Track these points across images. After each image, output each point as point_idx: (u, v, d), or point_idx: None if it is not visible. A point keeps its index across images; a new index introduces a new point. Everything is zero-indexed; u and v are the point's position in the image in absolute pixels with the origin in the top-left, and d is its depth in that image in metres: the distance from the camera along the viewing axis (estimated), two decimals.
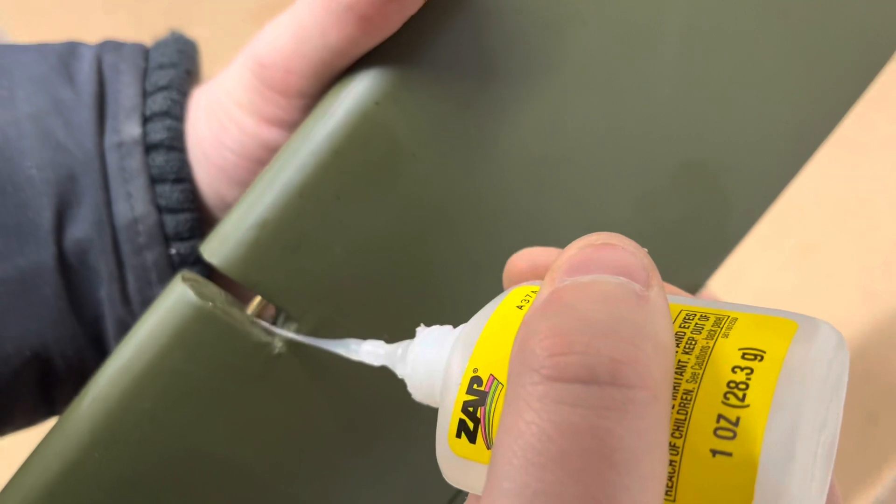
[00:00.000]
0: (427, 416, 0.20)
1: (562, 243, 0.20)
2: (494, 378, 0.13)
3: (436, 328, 0.15)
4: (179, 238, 0.20)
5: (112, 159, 0.20)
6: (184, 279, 0.17)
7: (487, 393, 0.13)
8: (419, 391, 0.16)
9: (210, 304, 0.17)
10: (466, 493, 0.21)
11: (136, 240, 0.20)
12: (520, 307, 0.14)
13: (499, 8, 0.18)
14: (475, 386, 0.13)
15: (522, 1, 0.18)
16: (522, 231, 0.19)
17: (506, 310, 0.14)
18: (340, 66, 0.18)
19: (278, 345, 0.17)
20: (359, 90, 0.17)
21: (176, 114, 0.20)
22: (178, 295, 0.17)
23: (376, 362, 0.16)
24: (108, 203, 0.19)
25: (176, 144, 0.20)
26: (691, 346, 0.12)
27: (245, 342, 0.17)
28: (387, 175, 0.17)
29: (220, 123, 0.20)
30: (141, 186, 0.20)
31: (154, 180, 0.20)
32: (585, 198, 0.19)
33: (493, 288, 0.18)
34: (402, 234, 0.18)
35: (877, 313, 0.51)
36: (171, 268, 0.20)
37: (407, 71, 0.17)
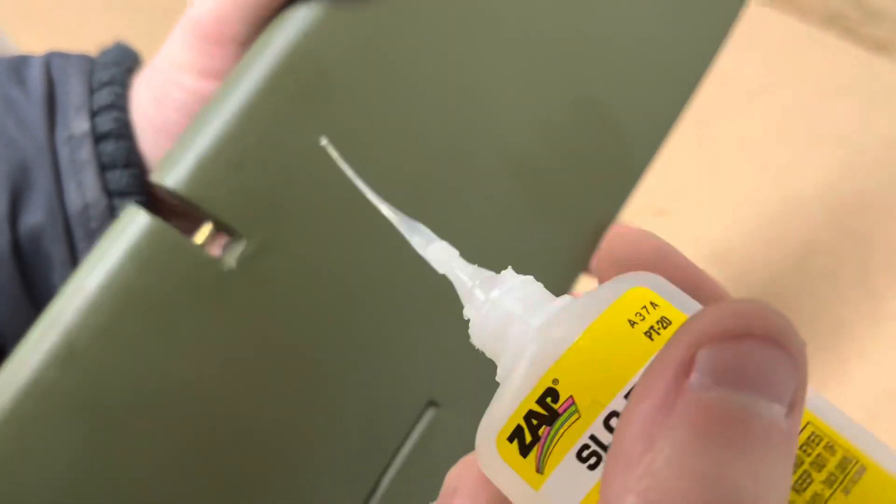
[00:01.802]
0: (379, 337, 0.20)
1: (475, 171, 0.21)
2: (574, 402, 0.12)
3: (529, 282, 0.14)
4: None
5: (63, 152, 0.21)
6: (136, 204, 0.18)
7: (560, 415, 0.12)
8: (481, 339, 0.14)
9: (160, 221, 0.18)
10: (419, 433, 0.21)
11: (88, 225, 0.21)
12: (633, 323, 0.12)
13: None
14: (548, 399, 0.12)
15: None
16: (439, 157, 0.20)
17: (613, 320, 0.12)
18: (270, 10, 0.19)
19: (229, 262, 0.18)
20: (289, 24, 0.19)
21: (121, 105, 0.22)
22: (131, 214, 0.18)
23: (440, 269, 0.15)
24: (60, 193, 0.21)
25: (124, 132, 0.21)
26: (804, 485, 0.10)
27: (195, 257, 0.18)
28: (318, 97, 0.19)
29: (161, 88, 0.21)
30: (91, 174, 0.21)
31: (105, 167, 0.21)
32: (494, 128, 0.21)
33: (420, 185, 0.20)
34: (337, 147, 0.19)
35: (876, 314, 0.51)
36: None
37: (330, 5, 0.19)
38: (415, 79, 0.20)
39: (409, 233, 0.17)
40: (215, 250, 0.19)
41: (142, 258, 0.17)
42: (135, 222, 0.17)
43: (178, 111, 0.21)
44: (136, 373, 0.18)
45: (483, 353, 0.15)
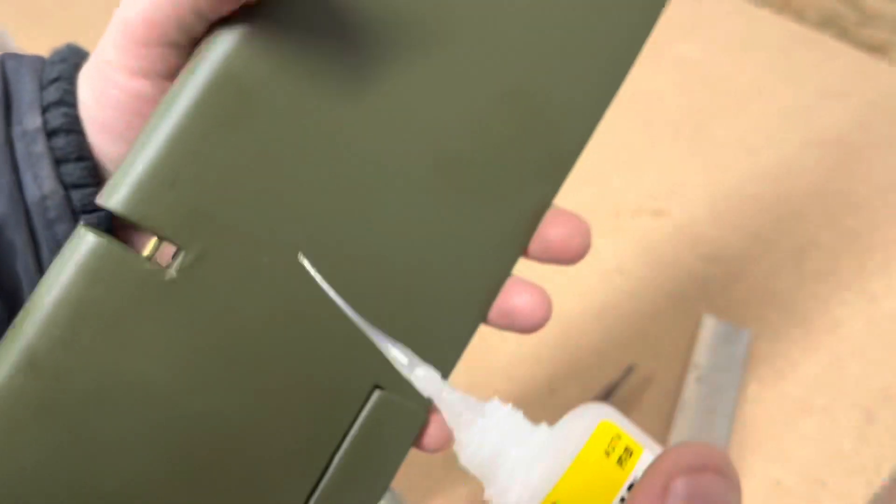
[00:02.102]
0: (319, 328, 0.22)
1: (406, 173, 0.22)
2: None
3: (513, 412, 0.17)
4: (86, 211, 0.23)
5: (19, 147, 0.22)
6: (84, 226, 0.20)
7: None
8: (474, 467, 0.17)
9: (105, 240, 0.20)
10: (365, 416, 0.22)
11: (47, 215, 0.22)
12: (607, 453, 0.16)
13: None
14: None
15: None
16: (368, 164, 0.22)
17: (593, 452, 0.16)
18: (198, 15, 0.20)
19: (170, 272, 0.20)
20: (215, 49, 0.20)
21: (69, 101, 0.23)
22: (79, 235, 0.20)
23: (427, 393, 0.17)
24: (19, 184, 0.22)
25: (74, 127, 0.22)
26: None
27: (139, 270, 0.20)
28: (243, 117, 0.21)
29: (99, 86, 0.22)
30: (46, 167, 0.22)
31: (58, 161, 0.22)
32: (423, 130, 0.23)
33: (353, 193, 0.22)
34: (264, 165, 0.21)
35: (874, 313, 0.51)
36: None
37: (261, 27, 0.20)
38: (339, 91, 0.22)
39: (393, 355, 0.18)
40: (166, 259, 0.21)
41: (91, 274, 0.20)
42: (84, 241, 0.20)
43: (116, 109, 0.22)
44: (92, 376, 0.20)
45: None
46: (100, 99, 0.22)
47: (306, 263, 0.21)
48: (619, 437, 0.16)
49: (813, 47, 0.75)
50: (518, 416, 0.17)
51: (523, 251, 0.25)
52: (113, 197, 0.20)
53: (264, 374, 0.22)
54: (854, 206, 0.59)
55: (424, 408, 0.23)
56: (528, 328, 0.24)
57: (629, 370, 0.47)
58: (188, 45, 0.21)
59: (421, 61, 0.22)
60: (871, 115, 0.67)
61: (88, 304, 0.20)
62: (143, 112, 0.22)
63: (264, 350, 0.22)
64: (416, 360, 0.18)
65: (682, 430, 0.45)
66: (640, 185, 0.61)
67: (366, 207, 0.22)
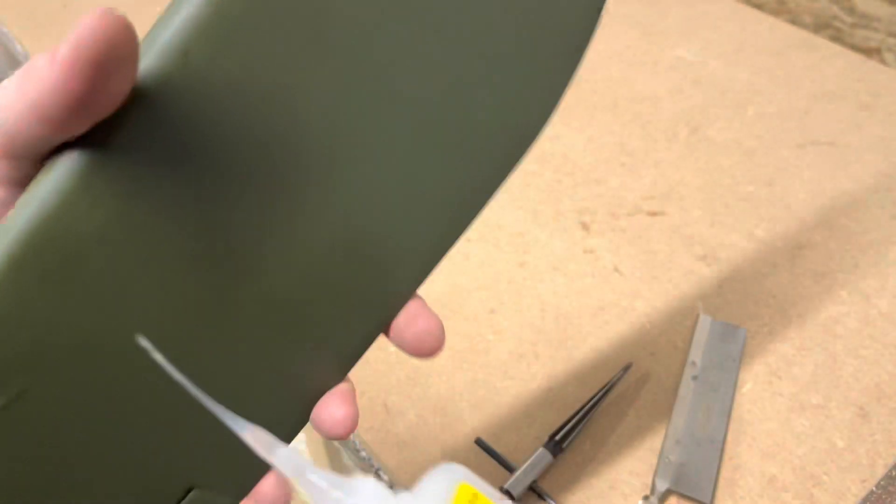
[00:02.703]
0: (129, 440, 0.22)
1: (239, 320, 0.22)
2: None
3: (379, 487, 0.18)
4: None
5: None
6: None
7: None
8: None
9: None
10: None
11: None
12: None
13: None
14: None
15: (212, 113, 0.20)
16: (204, 305, 0.22)
17: None
18: (46, 142, 0.19)
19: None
20: (34, 203, 0.19)
21: None
22: None
23: (289, 474, 0.18)
24: None
25: None
26: None
27: None
28: (63, 274, 0.20)
29: None
30: None
31: None
32: (250, 276, 0.22)
33: (190, 337, 0.21)
34: (84, 326, 0.20)
35: (868, 312, 0.51)
36: None
37: (102, 161, 0.19)
38: (166, 251, 0.21)
39: (248, 436, 0.18)
40: None
41: None
42: None
43: None
44: None
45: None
46: None
47: (146, 344, 0.20)
48: (476, 496, 0.17)
49: (808, 50, 0.75)
50: (383, 489, 0.18)
51: (341, 380, 0.26)
52: None
53: (81, 488, 0.22)
54: (848, 207, 0.59)
55: (237, 499, 0.24)
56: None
57: (626, 368, 0.48)
58: (42, 157, 0.20)
59: (256, 211, 0.22)
60: (865, 116, 0.67)
61: None
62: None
63: (81, 470, 0.22)
64: (276, 441, 0.18)
65: (678, 427, 0.45)
66: (638, 185, 0.61)
67: (210, 356, 0.22)
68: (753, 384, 0.48)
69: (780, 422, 0.45)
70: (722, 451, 0.44)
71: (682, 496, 0.42)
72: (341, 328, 0.24)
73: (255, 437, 0.18)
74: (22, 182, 0.20)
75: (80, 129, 0.18)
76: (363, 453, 0.45)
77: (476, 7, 0.22)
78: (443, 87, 0.23)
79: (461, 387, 0.47)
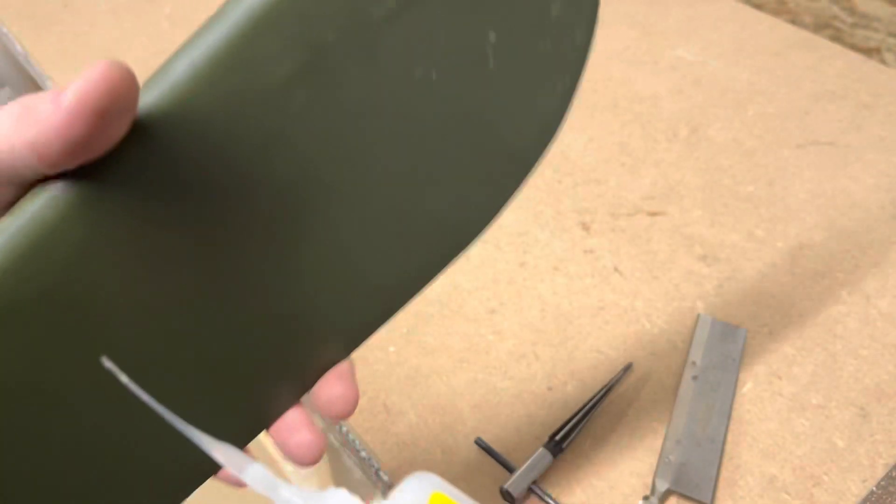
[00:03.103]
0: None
1: (171, 390, 0.22)
2: None
3: (349, 497, 0.18)
4: None
5: None
6: None
7: None
8: None
9: None
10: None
11: None
12: None
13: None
14: None
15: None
16: (142, 376, 0.22)
17: None
18: (34, 172, 0.19)
19: None
20: (31, 211, 0.20)
21: None
22: None
23: (261, 490, 0.18)
24: None
25: None
26: None
27: None
28: (44, 298, 0.20)
29: None
30: None
31: None
32: (187, 354, 0.23)
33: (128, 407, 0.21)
34: (53, 369, 0.21)
35: (868, 312, 0.51)
36: None
37: (92, 193, 0.20)
38: (115, 332, 0.21)
39: (219, 454, 0.19)
40: None
41: None
42: None
43: None
44: None
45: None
46: None
47: (111, 366, 0.21)
48: None
49: (808, 50, 0.75)
50: (354, 500, 0.18)
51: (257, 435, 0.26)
52: None
53: None
54: (848, 207, 0.59)
55: None
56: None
57: (626, 368, 0.48)
58: (28, 184, 0.20)
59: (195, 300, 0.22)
60: (865, 116, 0.67)
61: None
62: None
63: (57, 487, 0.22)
64: (247, 459, 0.19)
65: (678, 427, 0.45)
66: (638, 185, 0.61)
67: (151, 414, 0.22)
68: (753, 384, 0.48)
69: (780, 422, 0.45)
70: (722, 451, 0.44)
71: (682, 496, 0.42)
72: (259, 390, 0.25)
73: (225, 456, 0.19)
74: (4, 207, 0.20)
75: (73, 166, 0.19)
76: (363, 453, 0.46)
77: (434, 116, 0.24)
78: (396, 180, 0.24)
79: (461, 387, 0.47)
